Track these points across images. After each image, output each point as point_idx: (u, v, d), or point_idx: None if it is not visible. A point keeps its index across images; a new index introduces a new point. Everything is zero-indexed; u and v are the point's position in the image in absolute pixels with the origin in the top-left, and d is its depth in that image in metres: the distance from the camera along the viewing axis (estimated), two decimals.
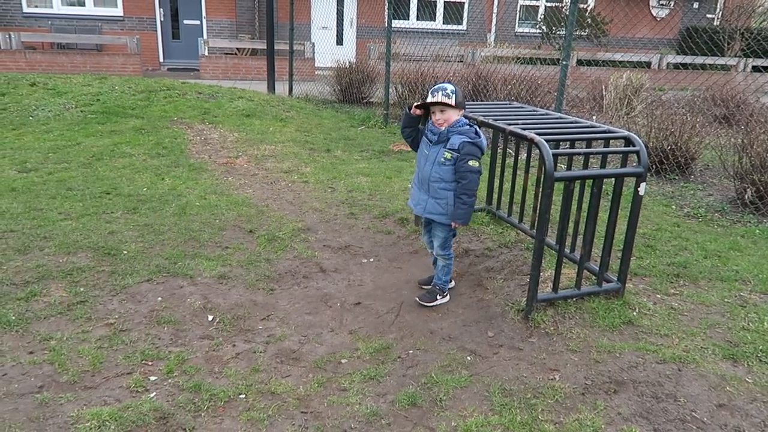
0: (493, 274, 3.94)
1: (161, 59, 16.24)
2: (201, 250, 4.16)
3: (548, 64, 13.04)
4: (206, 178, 5.84)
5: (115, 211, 4.76)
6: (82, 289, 3.54)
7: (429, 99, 3.24)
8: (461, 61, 13.37)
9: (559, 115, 4.03)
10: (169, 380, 2.77)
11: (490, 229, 4.57)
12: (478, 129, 3.32)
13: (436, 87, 3.23)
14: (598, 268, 3.57)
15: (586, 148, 3.76)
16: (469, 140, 3.22)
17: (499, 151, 4.76)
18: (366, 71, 11.30)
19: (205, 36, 16.01)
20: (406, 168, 6.51)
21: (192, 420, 2.52)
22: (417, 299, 3.63)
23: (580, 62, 14.34)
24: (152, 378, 2.77)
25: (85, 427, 2.40)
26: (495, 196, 4.82)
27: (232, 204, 5.10)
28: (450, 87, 3.23)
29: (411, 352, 3.11)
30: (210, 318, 3.36)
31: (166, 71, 15.48)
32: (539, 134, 3.22)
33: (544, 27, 16.95)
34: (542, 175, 3.26)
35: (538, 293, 3.30)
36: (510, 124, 3.56)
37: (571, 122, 3.85)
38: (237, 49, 15.46)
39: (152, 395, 2.64)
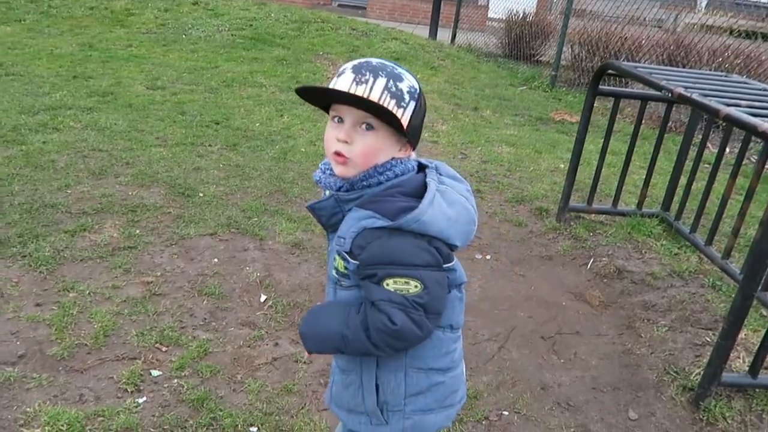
0: (654, 315, 2.77)
1: None
2: (284, 207, 3.47)
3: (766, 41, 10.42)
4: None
5: (213, 145, 4.23)
6: (137, 232, 3.02)
7: (337, 82, 1.15)
8: (659, 27, 11.25)
9: None
10: (174, 380, 2.11)
11: (661, 246, 3.33)
12: (437, 180, 1.19)
13: (360, 63, 1.16)
14: None
15: None
16: (382, 223, 1.13)
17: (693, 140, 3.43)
18: (541, 25, 9.84)
19: None
20: (563, 143, 5.28)
21: None
22: None
23: None
24: (154, 373, 2.13)
25: None
26: (676, 200, 3.54)
27: None
28: (406, 79, 1.15)
29: (506, 414, 2.15)
30: (262, 299, 2.66)
31: (336, 6, 15.07)
32: None
33: None
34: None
35: (723, 372, 2.13)
36: (728, 105, 2.31)
37: None
38: None
39: (140, 401, 1.99)
